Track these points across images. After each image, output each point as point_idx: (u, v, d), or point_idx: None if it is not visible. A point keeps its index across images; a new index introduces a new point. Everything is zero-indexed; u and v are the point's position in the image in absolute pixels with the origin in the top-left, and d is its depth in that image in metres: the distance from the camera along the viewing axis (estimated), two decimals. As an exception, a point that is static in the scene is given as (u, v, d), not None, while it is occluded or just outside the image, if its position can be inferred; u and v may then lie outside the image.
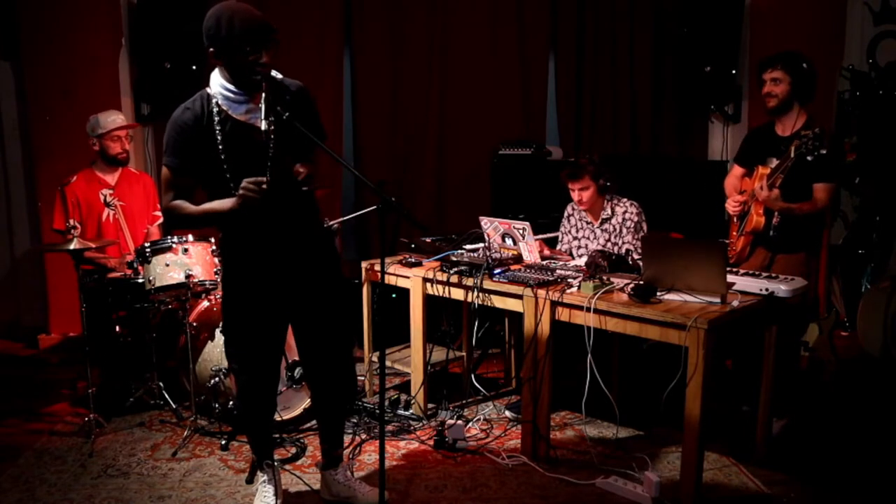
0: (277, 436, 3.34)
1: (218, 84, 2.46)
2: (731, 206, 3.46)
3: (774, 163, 3.28)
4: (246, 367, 2.70)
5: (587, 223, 3.80)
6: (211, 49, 2.42)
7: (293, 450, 3.32)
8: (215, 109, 2.46)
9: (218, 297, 3.79)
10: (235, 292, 2.64)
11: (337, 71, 5.05)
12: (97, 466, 3.21)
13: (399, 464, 3.22)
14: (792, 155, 3.11)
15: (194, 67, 4.71)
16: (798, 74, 3.28)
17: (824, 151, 3.06)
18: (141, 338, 3.83)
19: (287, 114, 2.38)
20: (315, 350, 2.77)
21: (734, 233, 3.51)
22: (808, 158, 3.08)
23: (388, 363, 4.01)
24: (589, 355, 2.96)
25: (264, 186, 2.36)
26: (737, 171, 3.61)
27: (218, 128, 2.45)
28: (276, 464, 2.87)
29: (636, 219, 3.67)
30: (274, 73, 2.49)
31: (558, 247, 3.95)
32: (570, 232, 3.90)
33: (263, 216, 2.48)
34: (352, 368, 2.87)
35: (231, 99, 2.45)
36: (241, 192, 2.38)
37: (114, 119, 3.97)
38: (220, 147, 2.45)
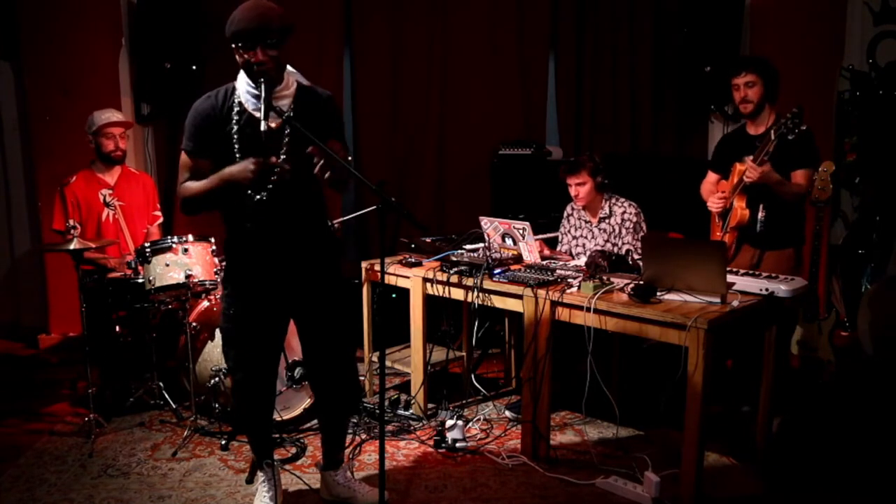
0: (277, 436, 3.34)
1: (242, 78, 2.53)
2: (714, 203, 3.50)
3: (750, 160, 3.31)
4: (243, 366, 2.69)
5: (586, 222, 3.81)
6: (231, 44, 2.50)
7: (293, 450, 3.32)
8: (236, 101, 2.53)
9: (218, 297, 3.79)
10: (237, 290, 2.64)
11: (337, 71, 5.05)
12: (97, 466, 3.21)
13: (399, 464, 3.22)
14: (773, 137, 3.17)
15: (194, 67, 4.71)
16: (768, 75, 3.35)
17: (805, 128, 3.12)
18: (141, 338, 3.83)
19: (290, 113, 2.42)
20: (320, 352, 2.76)
21: (717, 232, 3.53)
22: (790, 137, 3.14)
23: (388, 363, 4.01)
24: (589, 355, 2.96)
25: (270, 163, 2.41)
26: (711, 177, 3.65)
27: (235, 118, 2.51)
28: (275, 464, 2.87)
29: (635, 219, 3.68)
30: (300, 78, 2.57)
31: (558, 247, 3.95)
32: (569, 232, 3.90)
33: (271, 214, 2.52)
34: (355, 372, 2.88)
35: (249, 93, 2.51)
36: (250, 167, 2.41)
37: (108, 116, 3.97)
38: (235, 137, 2.51)
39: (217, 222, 4.73)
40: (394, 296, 4.35)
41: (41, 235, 4.86)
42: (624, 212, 3.69)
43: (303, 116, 2.50)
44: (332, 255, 2.74)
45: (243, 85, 2.51)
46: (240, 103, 2.52)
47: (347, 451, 3.21)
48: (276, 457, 2.93)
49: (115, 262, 3.91)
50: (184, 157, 2.58)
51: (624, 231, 3.68)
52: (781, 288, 2.87)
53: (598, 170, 3.65)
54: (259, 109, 2.42)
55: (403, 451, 3.35)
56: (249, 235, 2.59)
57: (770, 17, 5.02)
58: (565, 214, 3.94)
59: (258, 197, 2.52)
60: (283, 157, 2.49)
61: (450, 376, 4.21)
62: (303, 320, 2.73)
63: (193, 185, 2.55)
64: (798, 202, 3.40)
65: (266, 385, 2.77)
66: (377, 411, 3.46)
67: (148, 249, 3.56)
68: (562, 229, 3.96)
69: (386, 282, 3.72)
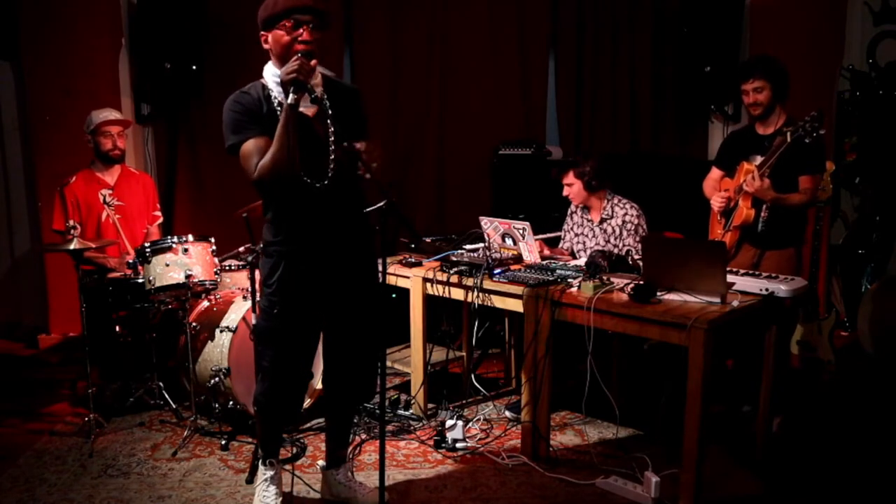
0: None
1: (270, 74, 2.52)
2: (717, 202, 3.49)
3: (759, 160, 3.31)
4: (281, 367, 2.65)
5: (588, 220, 3.82)
6: (262, 33, 2.49)
7: (293, 450, 3.32)
8: (272, 95, 2.50)
9: (218, 297, 3.79)
10: (285, 287, 2.58)
11: (337, 71, 5.05)
12: (97, 466, 3.21)
13: (399, 464, 3.22)
14: (789, 139, 3.15)
15: (194, 67, 4.71)
16: (777, 78, 3.33)
17: (823, 132, 3.11)
18: (141, 338, 3.82)
19: (319, 95, 2.39)
20: (344, 350, 2.74)
21: (718, 230, 3.53)
22: (807, 141, 3.13)
23: (388, 363, 4.01)
24: (589, 355, 2.96)
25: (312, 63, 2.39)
26: (715, 173, 3.64)
27: (278, 109, 2.48)
28: (279, 463, 2.86)
29: (636, 221, 3.68)
30: (325, 71, 2.54)
31: (560, 244, 3.97)
32: (571, 229, 3.92)
33: (318, 208, 2.51)
34: (375, 372, 2.85)
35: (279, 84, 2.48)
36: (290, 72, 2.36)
37: (106, 115, 3.97)
38: None
39: (216, 222, 4.79)
40: (394, 296, 4.35)
41: (41, 235, 4.86)
42: (625, 213, 3.70)
43: (333, 108, 2.51)
44: (372, 252, 2.73)
45: (273, 78, 2.49)
46: (275, 98, 2.49)
47: (348, 450, 3.21)
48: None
49: (115, 262, 3.91)
50: (244, 147, 2.45)
51: (625, 233, 3.68)
52: (781, 288, 2.87)
53: (583, 172, 3.67)
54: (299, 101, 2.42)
55: (403, 451, 3.35)
56: (305, 228, 2.54)
57: (770, 17, 5.03)
58: (569, 212, 3.95)
59: (318, 185, 2.49)
60: (331, 140, 2.49)
61: (450, 376, 4.21)
62: (336, 316, 2.69)
63: (268, 152, 2.41)
64: (802, 208, 3.39)
65: (300, 387, 2.76)
66: (377, 411, 3.47)
67: (148, 249, 3.56)
68: (565, 226, 3.98)
69: (386, 282, 3.71)
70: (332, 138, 2.52)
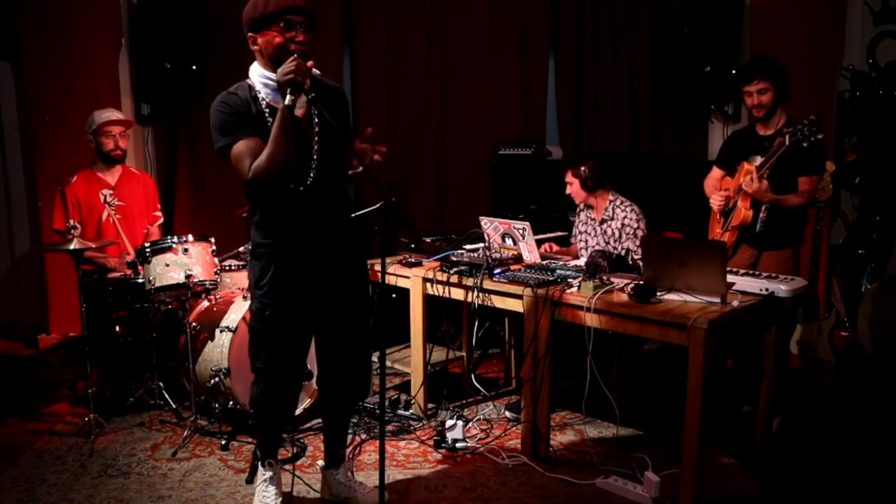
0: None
1: (257, 74, 2.50)
2: (716, 201, 3.49)
3: (759, 160, 3.31)
4: (275, 368, 2.65)
5: (591, 219, 3.84)
6: (249, 35, 2.46)
7: (293, 450, 3.32)
8: (260, 96, 2.48)
9: (218, 297, 3.79)
10: (276, 289, 2.57)
11: (337, 71, 5.05)
12: (97, 466, 3.21)
13: (399, 464, 3.22)
14: (787, 142, 3.15)
15: (194, 67, 4.72)
16: (780, 79, 3.33)
17: (821, 136, 3.11)
18: (141, 338, 3.83)
19: (313, 94, 2.37)
20: (337, 348, 2.74)
21: (717, 230, 3.53)
22: (804, 145, 3.13)
23: (388, 363, 4.01)
24: (589, 355, 2.96)
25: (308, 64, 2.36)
26: (716, 173, 3.64)
27: (267, 111, 2.47)
28: (278, 463, 2.86)
29: (635, 225, 3.69)
30: (315, 70, 2.52)
31: (572, 241, 3.99)
32: (577, 227, 3.96)
33: (304, 209, 2.51)
34: (368, 370, 2.87)
35: (272, 87, 2.47)
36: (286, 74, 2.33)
37: (108, 115, 3.98)
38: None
39: (216, 222, 4.79)
40: (394, 296, 4.35)
41: (41, 235, 4.86)
42: (625, 216, 3.70)
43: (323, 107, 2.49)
44: (360, 251, 2.75)
45: (260, 80, 2.48)
46: (263, 99, 2.48)
47: (347, 450, 3.21)
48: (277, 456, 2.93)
49: (115, 261, 3.91)
50: (236, 149, 2.42)
51: (624, 236, 3.69)
52: (781, 288, 2.87)
53: (580, 172, 3.69)
54: (278, 101, 2.41)
55: (403, 451, 3.35)
56: (293, 229, 2.54)
57: (770, 17, 5.03)
58: (577, 210, 3.97)
59: (300, 188, 2.48)
60: (316, 139, 2.50)
61: (450, 376, 4.21)
62: (327, 316, 2.69)
63: (263, 153, 2.39)
64: (800, 210, 3.39)
65: (295, 387, 2.77)
66: (377, 411, 3.46)
67: (148, 249, 3.56)
68: (575, 222, 3.99)
69: (386, 282, 3.72)
70: (317, 138, 2.51)
